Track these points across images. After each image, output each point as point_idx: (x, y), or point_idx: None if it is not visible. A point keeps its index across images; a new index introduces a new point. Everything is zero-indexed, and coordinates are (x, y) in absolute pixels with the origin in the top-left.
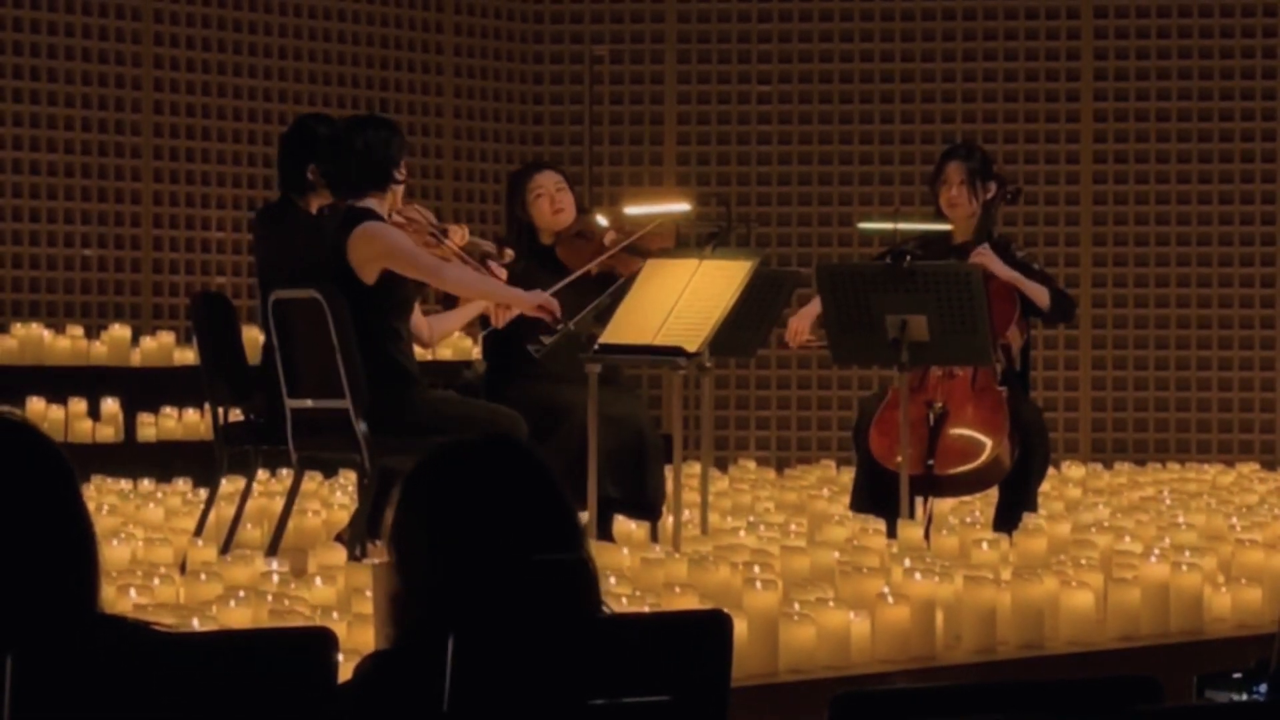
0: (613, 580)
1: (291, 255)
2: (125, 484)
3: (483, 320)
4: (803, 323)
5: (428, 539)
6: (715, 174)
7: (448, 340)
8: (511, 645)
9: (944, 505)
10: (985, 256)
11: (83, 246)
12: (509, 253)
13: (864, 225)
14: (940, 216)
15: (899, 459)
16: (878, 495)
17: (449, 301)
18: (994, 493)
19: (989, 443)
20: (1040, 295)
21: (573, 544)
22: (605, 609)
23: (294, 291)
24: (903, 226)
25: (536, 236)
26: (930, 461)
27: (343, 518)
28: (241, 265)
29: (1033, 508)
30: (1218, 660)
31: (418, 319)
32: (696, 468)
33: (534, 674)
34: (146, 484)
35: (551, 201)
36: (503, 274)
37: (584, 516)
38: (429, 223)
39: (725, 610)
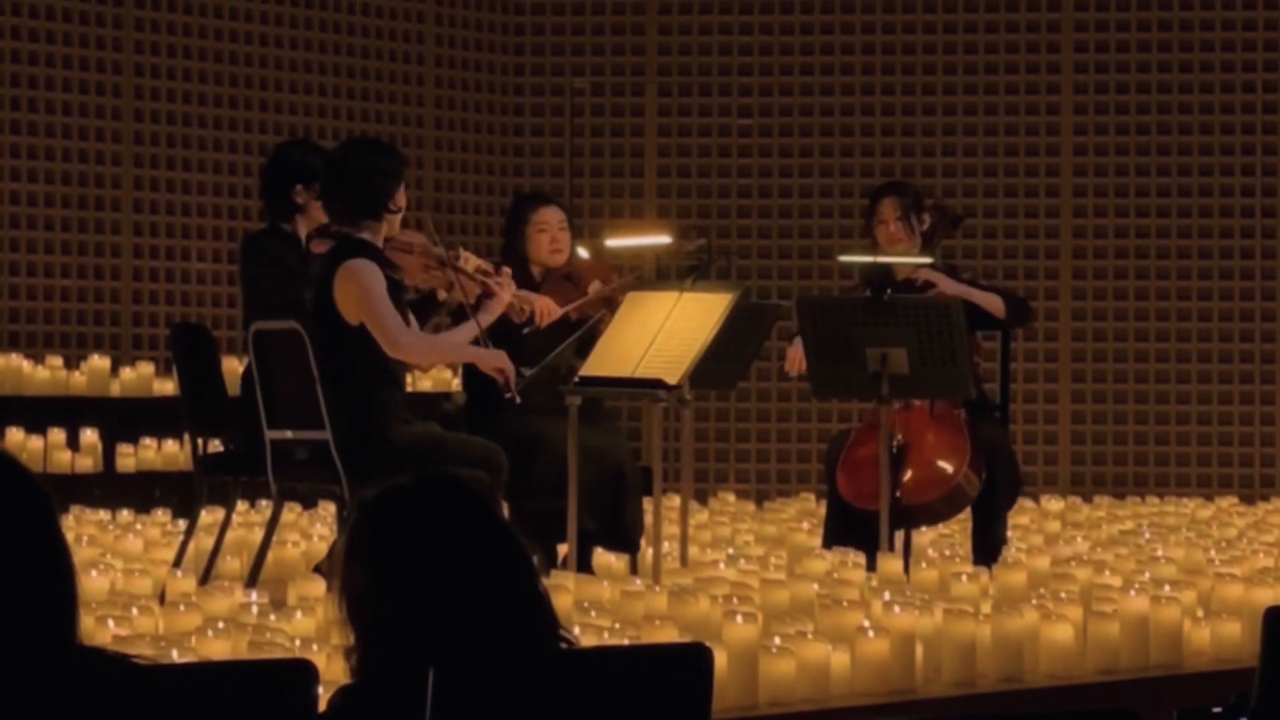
0: (592, 613)
1: (276, 286)
2: (104, 515)
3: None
4: (799, 350)
5: (374, 586)
6: (695, 206)
7: (425, 373)
8: (482, 681)
9: (923, 538)
10: (933, 275)
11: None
12: (506, 271)
13: (844, 258)
14: (881, 251)
15: (869, 498)
16: (848, 533)
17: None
18: (969, 522)
19: (950, 468)
20: (993, 302)
21: (521, 578)
22: (566, 642)
23: (275, 322)
24: (883, 259)
25: (527, 267)
26: (897, 494)
27: (322, 549)
28: (221, 296)
29: (1003, 529)
30: (1197, 694)
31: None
32: (676, 500)
33: (509, 710)
34: (125, 515)
35: (552, 240)
36: (508, 287)
37: (563, 549)
38: (432, 245)
39: (705, 643)
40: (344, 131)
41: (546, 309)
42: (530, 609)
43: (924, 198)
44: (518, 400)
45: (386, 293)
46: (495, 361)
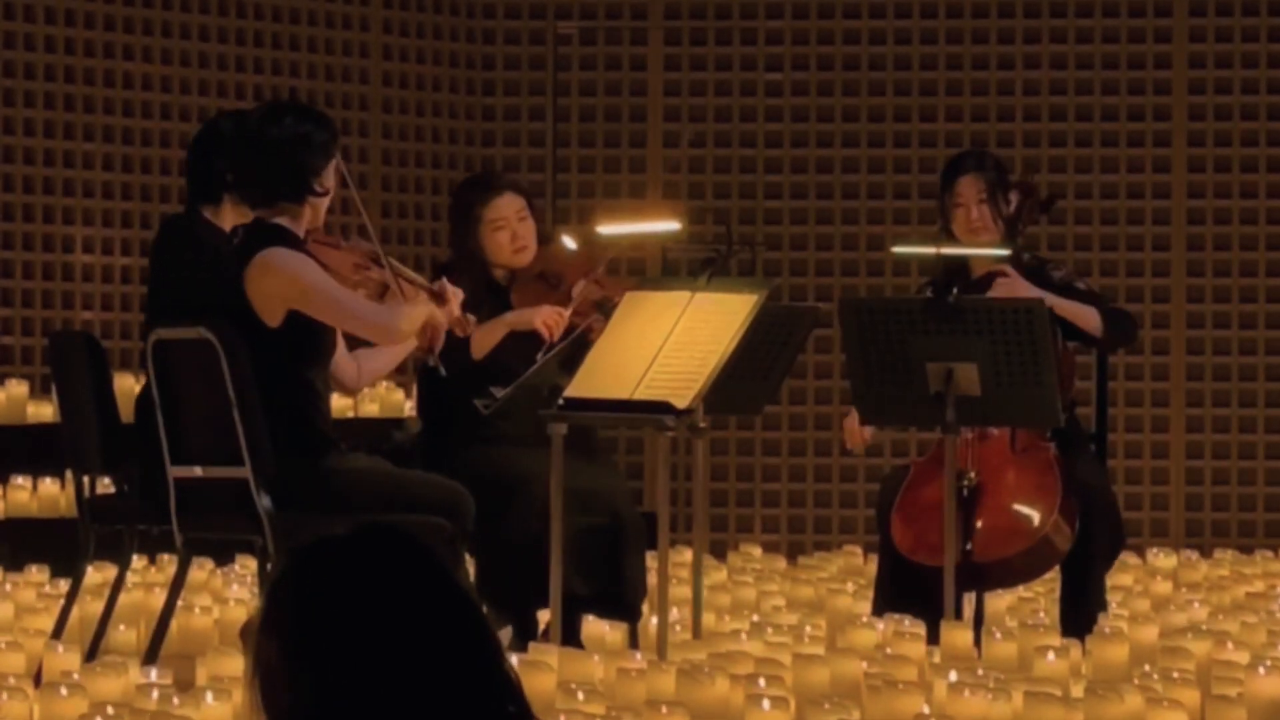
0: (581, 696)
1: (189, 285)
2: None
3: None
4: (855, 420)
5: (288, 663)
6: (711, 184)
7: (373, 394)
8: None
9: (999, 602)
10: (1007, 283)
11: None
12: (471, 321)
13: (899, 249)
14: (952, 242)
15: (932, 550)
16: (905, 596)
17: None
18: (1057, 582)
19: (1036, 515)
20: (1087, 317)
21: (481, 656)
22: None
23: (180, 330)
24: (948, 251)
25: (487, 267)
26: (968, 547)
27: (239, 616)
28: (113, 297)
29: (1100, 596)
30: None
31: (340, 356)
32: (687, 555)
33: None
34: None
35: (514, 237)
36: (456, 295)
37: (545, 616)
38: (362, 240)
39: None
40: (267, 89)
41: (552, 320)
42: (492, 696)
43: (1008, 172)
44: (442, 372)
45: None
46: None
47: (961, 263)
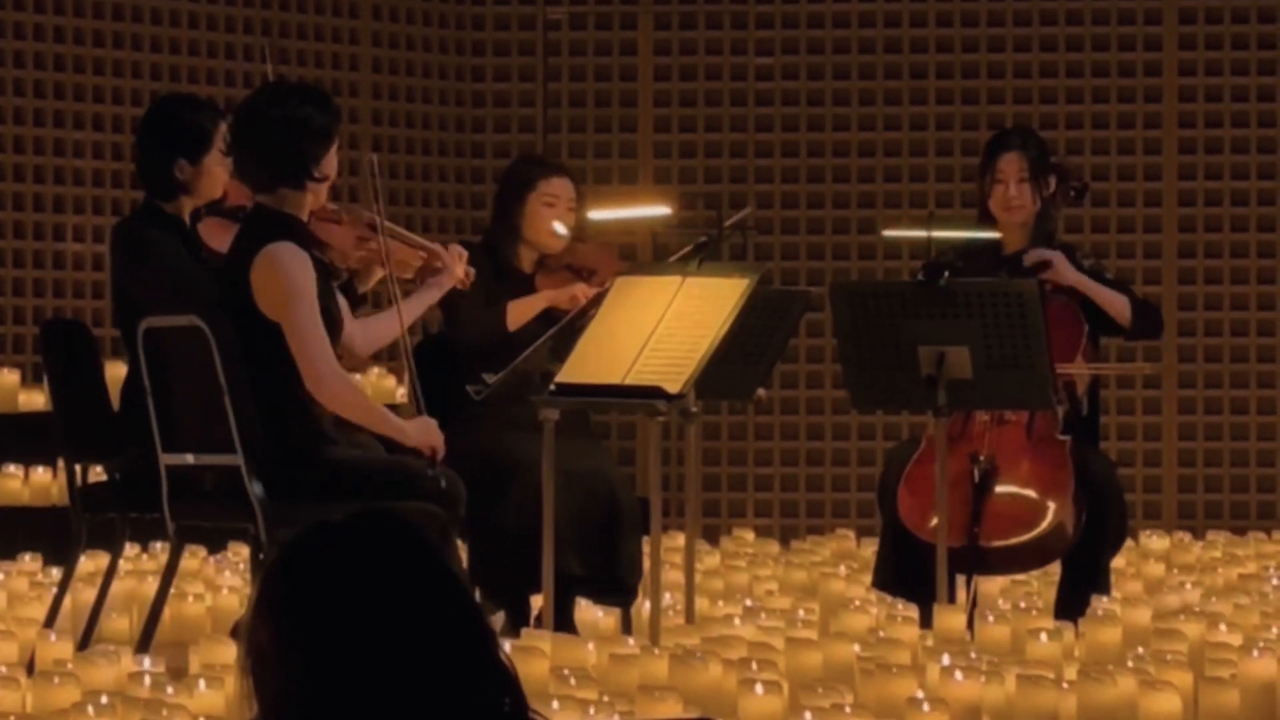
0: (573, 681)
1: (156, 281)
2: None
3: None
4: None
5: (281, 645)
6: (702, 168)
7: (365, 380)
8: None
9: (992, 585)
10: (1055, 262)
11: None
12: (455, 246)
13: (890, 233)
14: (985, 220)
15: (935, 526)
16: (907, 572)
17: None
18: (1055, 569)
19: (1050, 506)
20: (1117, 305)
21: (474, 643)
22: None
23: (170, 318)
24: (939, 234)
25: (516, 250)
26: (975, 530)
27: (232, 604)
28: (104, 285)
29: (1104, 588)
30: None
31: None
32: (680, 539)
33: None
34: None
35: (559, 218)
36: (458, 257)
37: (538, 601)
38: (364, 211)
39: (716, 719)
40: (256, 76)
41: (586, 297)
42: (486, 687)
43: (1051, 152)
44: (442, 484)
45: (317, 297)
46: (422, 438)
47: (994, 244)
